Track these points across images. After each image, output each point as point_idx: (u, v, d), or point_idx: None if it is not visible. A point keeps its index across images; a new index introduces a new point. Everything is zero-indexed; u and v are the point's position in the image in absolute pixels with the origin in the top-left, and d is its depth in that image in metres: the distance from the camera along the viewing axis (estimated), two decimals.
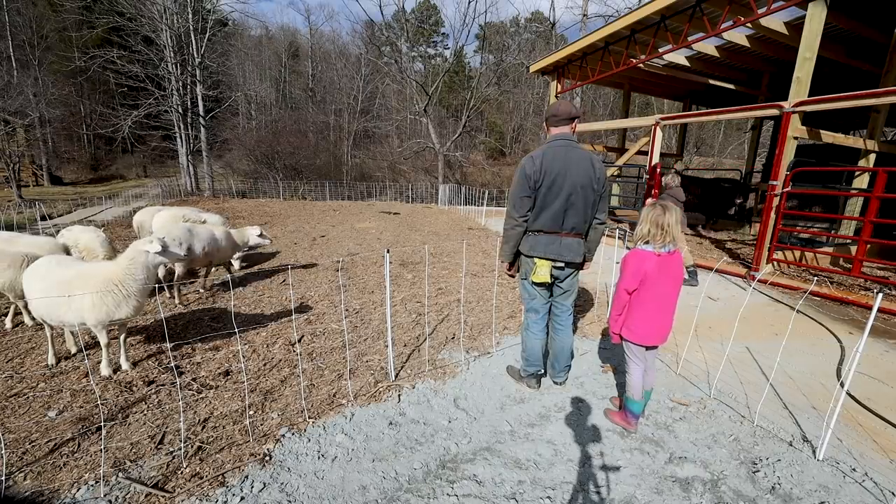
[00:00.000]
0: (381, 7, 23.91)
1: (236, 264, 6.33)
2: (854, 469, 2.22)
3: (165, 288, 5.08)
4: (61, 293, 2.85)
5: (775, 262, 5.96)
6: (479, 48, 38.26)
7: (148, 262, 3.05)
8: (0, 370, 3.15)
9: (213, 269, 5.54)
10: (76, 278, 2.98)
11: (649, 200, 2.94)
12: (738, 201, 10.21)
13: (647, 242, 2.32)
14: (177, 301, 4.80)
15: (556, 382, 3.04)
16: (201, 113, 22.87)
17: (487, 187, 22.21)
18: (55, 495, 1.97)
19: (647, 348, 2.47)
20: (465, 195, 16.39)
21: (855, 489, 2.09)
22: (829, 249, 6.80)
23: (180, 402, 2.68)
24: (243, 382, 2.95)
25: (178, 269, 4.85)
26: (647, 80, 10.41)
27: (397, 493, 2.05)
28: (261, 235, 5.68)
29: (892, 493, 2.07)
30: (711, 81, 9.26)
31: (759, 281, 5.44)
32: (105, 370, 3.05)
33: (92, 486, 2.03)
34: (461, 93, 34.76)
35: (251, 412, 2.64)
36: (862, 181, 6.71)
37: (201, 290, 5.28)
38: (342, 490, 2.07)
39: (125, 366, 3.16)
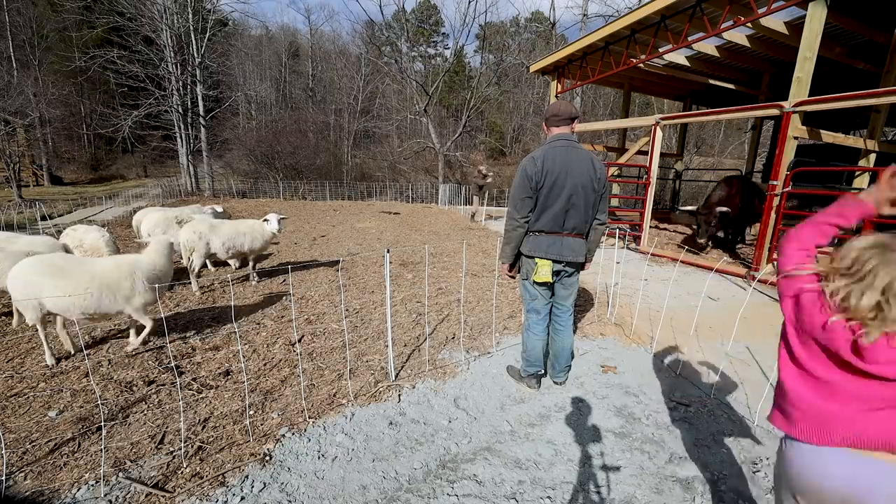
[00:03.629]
0: (381, 7, 23.90)
1: (234, 264, 6.32)
2: None
3: (191, 279, 5.22)
4: (103, 286, 3.18)
5: (775, 262, 5.96)
6: (479, 48, 38.12)
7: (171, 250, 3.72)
8: (0, 370, 3.15)
9: (235, 262, 5.94)
10: (113, 269, 3.31)
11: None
12: None
13: (850, 318, 1.08)
14: (195, 289, 5.10)
15: (556, 382, 3.04)
16: (201, 113, 22.84)
17: (488, 187, 22.13)
18: (55, 495, 1.97)
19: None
20: (465, 195, 16.40)
21: None
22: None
23: (180, 402, 2.68)
24: (243, 382, 2.95)
25: (197, 260, 5.08)
26: (648, 80, 10.40)
27: (397, 493, 2.05)
28: (280, 221, 5.62)
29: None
30: (711, 81, 9.25)
31: (759, 281, 5.44)
32: (135, 342, 3.47)
33: (92, 485, 2.03)
34: (461, 93, 34.72)
35: (251, 412, 2.64)
36: (862, 181, 6.71)
37: (254, 283, 5.55)
38: (342, 490, 2.07)
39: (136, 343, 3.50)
